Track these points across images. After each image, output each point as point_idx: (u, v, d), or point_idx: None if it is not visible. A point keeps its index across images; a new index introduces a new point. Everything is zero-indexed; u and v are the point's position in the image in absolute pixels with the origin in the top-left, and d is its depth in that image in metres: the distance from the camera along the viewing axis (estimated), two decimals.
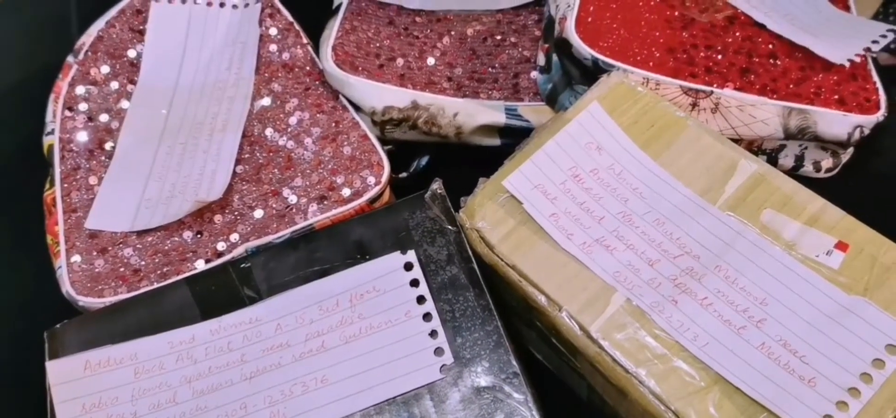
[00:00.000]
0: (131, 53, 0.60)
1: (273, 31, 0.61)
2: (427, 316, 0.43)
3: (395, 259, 0.45)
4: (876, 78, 0.53)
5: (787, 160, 0.55)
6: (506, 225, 0.45)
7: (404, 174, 0.57)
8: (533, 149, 0.48)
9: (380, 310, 0.44)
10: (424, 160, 0.59)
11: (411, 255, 0.45)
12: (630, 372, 0.40)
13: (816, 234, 0.42)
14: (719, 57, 0.54)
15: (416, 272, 0.44)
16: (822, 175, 0.56)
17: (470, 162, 0.54)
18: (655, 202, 0.45)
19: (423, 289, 0.44)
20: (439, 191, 0.47)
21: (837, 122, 0.51)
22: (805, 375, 0.38)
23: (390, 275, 0.44)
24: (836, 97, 0.52)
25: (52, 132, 0.56)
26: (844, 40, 0.54)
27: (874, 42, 0.54)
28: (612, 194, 0.45)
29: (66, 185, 0.54)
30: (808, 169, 0.55)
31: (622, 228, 0.44)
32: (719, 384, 0.39)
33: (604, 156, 0.47)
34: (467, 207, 0.47)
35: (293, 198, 0.52)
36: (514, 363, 0.42)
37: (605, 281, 0.42)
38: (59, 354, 0.44)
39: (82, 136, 0.56)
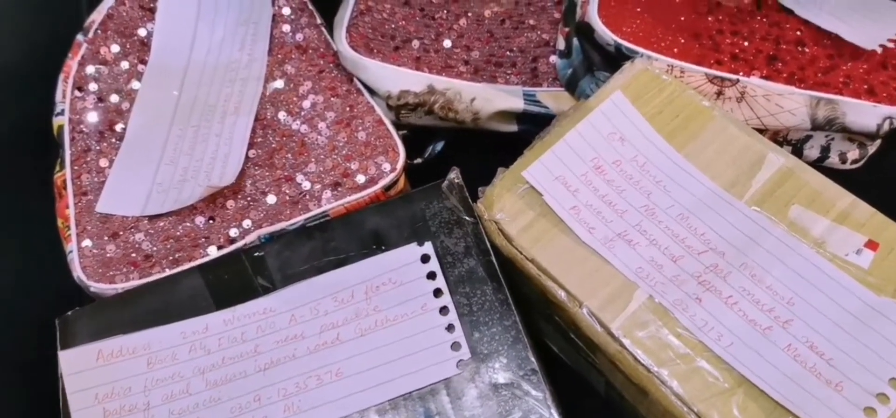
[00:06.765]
0: (142, 32, 0.59)
1: (286, 11, 0.60)
2: (444, 310, 0.42)
3: (412, 250, 0.44)
4: None
5: (812, 151, 0.53)
6: (525, 217, 0.44)
7: (419, 160, 0.56)
8: (554, 139, 0.46)
9: (396, 302, 0.43)
10: (439, 145, 0.58)
11: (428, 247, 0.44)
12: (652, 372, 0.39)
13: (846, 232, 0.41)
14: (745, 43, 0.52)
15: (433, 264, 0.43)
16: (847, 166, 0.54)
17: (486, 147, 0.53)
18: (680, 195, 0.44)
19: (440, 281, 0.43)
20: (457, 181, 0.46)
21: (867, 113, 0.50)
22: (832, 379, 0.37)
23: (407, 267, 0.43)
24: (866, 87, 0.50)
25: (61, 112, 0.55)
26: (875, 25, 0.53)
27: None
28: (635, 187, 0.44)
29: (76, 168, 0.53)
30: (833, 160, 0.54)
31: (645, 222, 0.43)
32: (744, 386, 0.38)
33: (627, 148, 0.46)
34: (486, 198, 0.46)
35: (307, 184, 0.51)
36: (533, 359, 0.41)
37: (627, 277, 0.41)
38: (71, 343, 0.43)
39: (92, 117, 0.55)
